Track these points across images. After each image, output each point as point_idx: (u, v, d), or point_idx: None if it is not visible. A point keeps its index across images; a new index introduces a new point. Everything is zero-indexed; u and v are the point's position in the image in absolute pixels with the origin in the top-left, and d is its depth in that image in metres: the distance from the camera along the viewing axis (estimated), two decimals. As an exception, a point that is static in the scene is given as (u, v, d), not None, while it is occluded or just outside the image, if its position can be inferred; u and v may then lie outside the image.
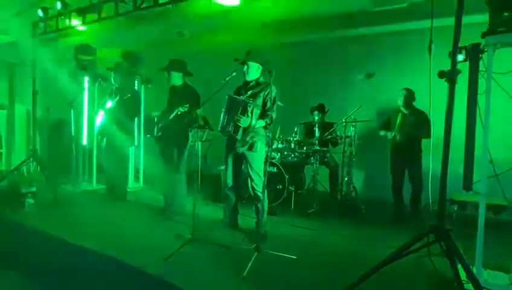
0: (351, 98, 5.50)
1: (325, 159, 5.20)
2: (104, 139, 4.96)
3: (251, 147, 3.50)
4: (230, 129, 3.44)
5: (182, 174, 4.26)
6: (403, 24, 4.99)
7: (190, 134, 4.14)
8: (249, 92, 3.54)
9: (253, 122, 3.43)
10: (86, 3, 4.43)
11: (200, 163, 5.77)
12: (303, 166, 5.29)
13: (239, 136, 3.44)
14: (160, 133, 4.21)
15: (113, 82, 4.80)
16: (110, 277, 2.97)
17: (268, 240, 3.54)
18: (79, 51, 5.34)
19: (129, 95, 4.66)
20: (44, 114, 7.90)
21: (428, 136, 3.83)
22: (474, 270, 2.72)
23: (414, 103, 4.54)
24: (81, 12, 4.50)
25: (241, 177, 3.87)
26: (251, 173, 3.53)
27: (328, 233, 3.90)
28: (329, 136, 5.04)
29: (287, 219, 4.38)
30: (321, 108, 5.28)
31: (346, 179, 4.88)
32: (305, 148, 5.02)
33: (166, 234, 3.63)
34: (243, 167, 3.75)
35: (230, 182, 3.72)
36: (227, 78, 3.37)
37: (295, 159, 5.18)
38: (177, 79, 4.20)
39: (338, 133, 5.06)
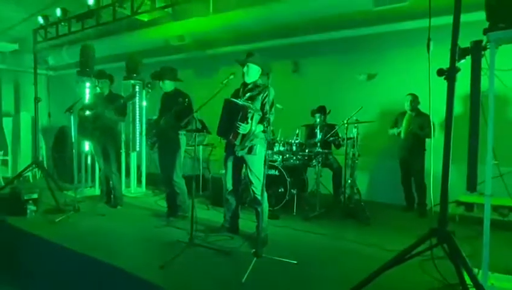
0: (353, 99, 5.42)
1: (328, 161, 5.14)
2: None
3: (250, 150, 3.46)
4: (229, 135, 3.40)
5: (179, 178, 4.24)
6: (405, 23, 4.92)
7: (184, 138, 4.12)
8: (247, 95, 3.49)
9: (253, 128, 3.38)
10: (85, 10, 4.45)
11: (201, 167, 5.83)
12: (305, 169, 5.23)
13: (237, 142, 3.40)
14: (155, 139, 4.22)
15: (99, 89, 4.86)
16: (109, 285, 2.95)
17: (269, 244, 3.48)
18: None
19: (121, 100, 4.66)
20: (49, 121, 7.97)
21: (429, 136, 4.33)
22: (481, 273, 2.63)
23: (419, 106, 4.84)
24: (80, 18, 4.52)
25: (241, 181, 3.83)
26: (251, 177, 3.48)
27: (331, 237, 3.83)
28: (331, 138, 4.99)
29: (289, 222, 4.32)
30: (322, 110, 5.22)
31: (349, 181, 4.80)
32: (307, 151, 4.96)
33: (166, 240, 3.59)
34: (243, 170, 3.70)
35: (230, 186, 3.67)
36: (224, 81, 3.34)
37: (297, 161, 5.13)
38: (168, 86, 4.26)
39: (340, 135, 4.99)
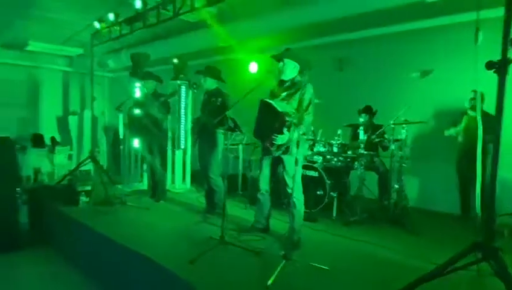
0: (405, 98, 5.06)
1: (373, 164, 4.85)
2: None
3: (287, 151, 3.38)
4: (265, 139, 3.34)
5: (215, 176, 4.29)
6: (463, 15, 4.47)
7: (222, 136, 4.16)
8: (284, 93, 3.41)
9: (291, 136, 3.29)
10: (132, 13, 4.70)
11: (241, 166, 5.86)
12: (348, 171, 4.99)
13: (274, 148, 3.34)
14: (196, 136, 4.32)
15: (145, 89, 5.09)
16: (141, 274, 3.06)
17: (302, 248, 3.37)
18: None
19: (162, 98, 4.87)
20: (103, 118, 8.59)
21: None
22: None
23: (482, 105, 4.24)
24: (129, 22, 4.79)
25: (278, 181, 3.75)
26: (286, 177, 3.40)
27: (371, 244, 3.59)
28: (377, 139, 4.70)
29: (326, 226, 4.15)
30: (368, 109, 4.96)
31: (396, 186, 4.48)
32: (350, 152, 4.73)
33: (200, 236, 3.64)
34: (280, 170, 3.63)
35: (263, 186, 3.62)
36: (259, 80, 3.31)
37: (339, 163, 4.92)
38: (210, 84, 4.34)
39: (386, 136, 4.69)
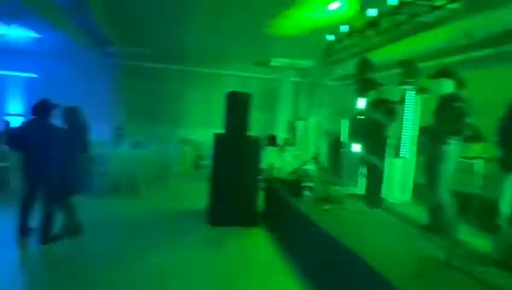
0: None
1: None
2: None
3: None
4: None
5: (445, 191, 3.80)
6: None
7: (454, 147, 3.62)
8: None
9: None
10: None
11: (478, 184, 4.91)
12: None
13: None
14: (423, 146, 3.98)
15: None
16: (354, 274, 3.11)
17: None
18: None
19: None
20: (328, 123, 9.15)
21: None
22: None
23: None
24: (362, 31, 4.93)
25: None
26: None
27: None
28: None
29: None
30: None
31: None
32: None
33: (419, 252, 3.33)
34: None
35: (505, 209, 2.93)
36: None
37: None
38: (446, 87, 3.87)
39: None
